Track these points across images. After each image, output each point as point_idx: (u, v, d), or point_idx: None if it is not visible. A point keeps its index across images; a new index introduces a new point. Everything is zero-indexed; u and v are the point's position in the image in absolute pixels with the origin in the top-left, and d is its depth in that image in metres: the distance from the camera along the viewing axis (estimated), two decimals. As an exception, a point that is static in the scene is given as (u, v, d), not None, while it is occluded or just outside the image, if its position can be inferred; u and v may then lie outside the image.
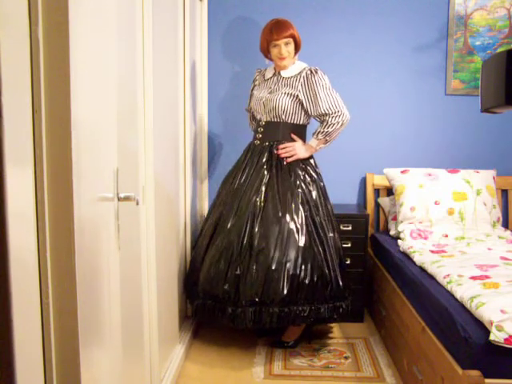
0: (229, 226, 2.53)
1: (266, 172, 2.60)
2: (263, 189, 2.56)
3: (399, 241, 2.87)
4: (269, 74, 2.78)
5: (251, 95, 2.87)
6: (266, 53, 2.70)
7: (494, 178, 3.17)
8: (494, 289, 1.86)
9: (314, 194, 2.60)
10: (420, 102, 3.34)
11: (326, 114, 2.58)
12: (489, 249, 2.58)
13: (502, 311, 1.63)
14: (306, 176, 2.63)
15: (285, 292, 2.36)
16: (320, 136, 2.62)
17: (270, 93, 2.69)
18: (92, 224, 1.21)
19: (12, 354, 0.90)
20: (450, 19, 3.26)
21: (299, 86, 2.62)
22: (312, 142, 2.67)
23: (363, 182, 3.42)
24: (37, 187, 1.01)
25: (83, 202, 1.12)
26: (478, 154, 3.35)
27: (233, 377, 2.37)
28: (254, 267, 2.39)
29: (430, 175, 3.09)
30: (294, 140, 2.66)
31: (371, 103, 3.34)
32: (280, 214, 2.48)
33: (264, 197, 2.54)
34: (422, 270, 2.35)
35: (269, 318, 2.37)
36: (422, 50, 3.30)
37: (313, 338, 2.77)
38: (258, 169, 2.62)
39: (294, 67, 2.69)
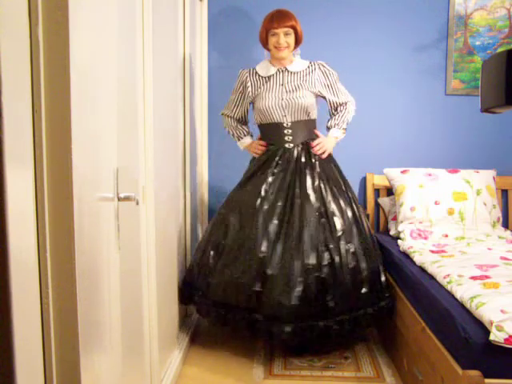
0: (272, 232, 2.41)
1: (308, 176, 2.54)
2: (315, 192, 2.50)
3: (399, 241, 2.86)
4: (268, 70, 2.66)
5: (241, 98, 2.72)
6: (265, 43, 2.63)
7: (494, 178, 3.17)
8: (494, 289, 1.86)
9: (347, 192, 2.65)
10: (420, 102, 3.34)
11: (346, 103, 2.72)
12: (489, 249, 2.58)
13: (502, 311, 1.63)
14: (340, 171, 2.70)
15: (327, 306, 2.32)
16: (344, 125, 2.72)
17: (286, 91, 2.60)
18: (92, 224, 1.21)
19: (12, 354, 0.90)
20: (450, 19, 3.26)
21: (316, 82, 2.64)
22: (336, 133, 2.70)
23: (363, 181, 3.42)
24: (37, 187, 1.01)
25: (83, 202, 1.12)
26: (478, 154, 3.35)
27: (233, 377, 2.37)
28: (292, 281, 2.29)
29: (430, 175, 3.09)
30: (317, 136, 2.68)
31: (371, 103, 3.34)
32: (326, 223, 2.45)
33: (320, 201, 2.48)
34: (422, 270, 2.35)
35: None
36: (422, 50, 3.30)
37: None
38: (300, 173, 2.54)
39: (298, 62, 2.66)
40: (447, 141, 3.36)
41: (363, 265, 2.42)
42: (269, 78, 2.66)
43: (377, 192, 3.40)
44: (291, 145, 2.62)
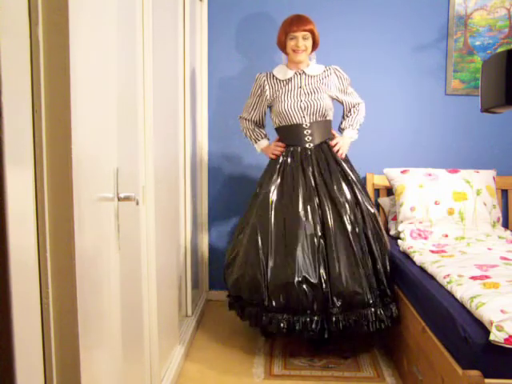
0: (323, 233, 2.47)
1: (330, 176, 2.58)
2: (340, 192, 2.55)
3: (399, 241, 2.86)
4: (286, 74, 2.69)
5: (259, 101, 2.74)
6: (283, 46, 2.69)
7: (494, 178, 3.17)
8: (494, 289, 1.86)
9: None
10: (420, 102, 3.34)
11: (358, 104, 2.82)
12: (489, 249, 2.58)
13: (502, 311, 1.63)
14: (356, 172, 2.72)
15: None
16: (358, 126, 2.79)
17: (305, 94, 2.65)
18: (92, 224, 1.21)
19: (12, 353, 0.90)
20: (450, 19, 3.26)
21: (332, 85, 2.71)
22: (351, 133, 2.77)
23: (363, 182, 3.42)
24: (37, 187, 1.01)
25: (83, 202, 1.12)
26: (478, 154, 3.35)
27: (233, 377, 2.37)
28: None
29: (430, 175, 3.09)
30: (334, 136, 2.74)
31: (371, 103, 3.33)
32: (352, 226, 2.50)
33: (344, 201, 2.53)
34: (422, 270, 2.35)
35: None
36: (422, 50, 3.30)
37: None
38: (324, 172, 2.59)
39: (315, 66, 2.73)
40: (447, 141, 3.36)
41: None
42: (287, 81, 2.70)
43: (377, 192, 3.40)
44: (311, 145, 2.66)
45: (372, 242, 2.50)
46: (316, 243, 2.43)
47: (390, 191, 3.35)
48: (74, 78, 1.04)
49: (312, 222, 2.47)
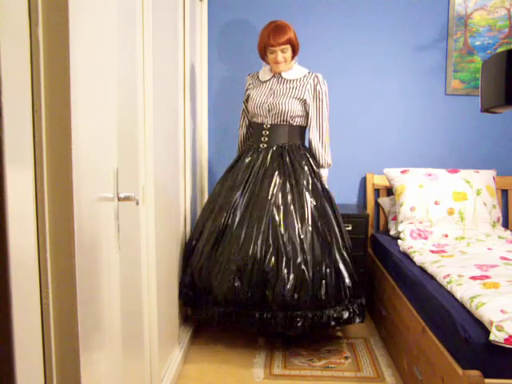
0: (244, 231, 2.47)
1: (278, 177, 2.59)
2: (279, 193, 2.54)
3: (399, 241, 2.86)
4: (266, 75, 2.76)
5: (247, 101, 2.81)
6: (263, 55, 2.71)
7: (494, 178, 3.17)
8: (494, 289, 1.86)
9: (322, 194, 2.64)
10: (420, 102, 3.34)
11: (319, 140, 2.69)
12: (489, 249, 2.58)
13: (502, 311, 1.63)
14: (316, 178, 2.66)
15: (322, 296, 2.39)
16: (328, 164, 2.75)
17: (273, 96, 2.67)
18: (92, 224, 1.21)
19: (12, 353, 0.90)
20: (450, 19, 3.26)
21: (305, 92, 2.66)
22: (325, 172, 2.75)
23: (363, 182, 3.42)
24: (37, 187, 1.01)
25: (83, 201, 1.12)
26: (478, 154, 3.35)
27: (233, 377, 2.37)
28: (285, 272, 2.37)
29: (430, 175, 3.09)
30: (305, 147, 2.73)
31: (371, 103, 3.34)
32: (301, 218, 2.49)
33: (282, 201, 2.52)
34: (422, 270, 2.35)
35: (301, 322, 2.40)
36: (422, 50, 3.30)
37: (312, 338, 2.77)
38: (269, 173, 2.60)
39: (294, 70, 2.72)
40: (447, 141, 3.36)
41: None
42: (264, 81, 2.76)
43: (377, 192, 3.40)
44: (264, 145, 2.69)
45: (308, 246, 2.45)
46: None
47: (390, 191, 3.35)
48: (74, 78, 1.04)
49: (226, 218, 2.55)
